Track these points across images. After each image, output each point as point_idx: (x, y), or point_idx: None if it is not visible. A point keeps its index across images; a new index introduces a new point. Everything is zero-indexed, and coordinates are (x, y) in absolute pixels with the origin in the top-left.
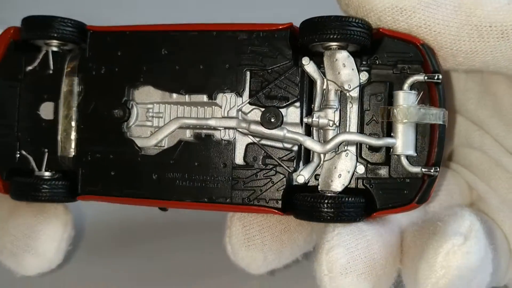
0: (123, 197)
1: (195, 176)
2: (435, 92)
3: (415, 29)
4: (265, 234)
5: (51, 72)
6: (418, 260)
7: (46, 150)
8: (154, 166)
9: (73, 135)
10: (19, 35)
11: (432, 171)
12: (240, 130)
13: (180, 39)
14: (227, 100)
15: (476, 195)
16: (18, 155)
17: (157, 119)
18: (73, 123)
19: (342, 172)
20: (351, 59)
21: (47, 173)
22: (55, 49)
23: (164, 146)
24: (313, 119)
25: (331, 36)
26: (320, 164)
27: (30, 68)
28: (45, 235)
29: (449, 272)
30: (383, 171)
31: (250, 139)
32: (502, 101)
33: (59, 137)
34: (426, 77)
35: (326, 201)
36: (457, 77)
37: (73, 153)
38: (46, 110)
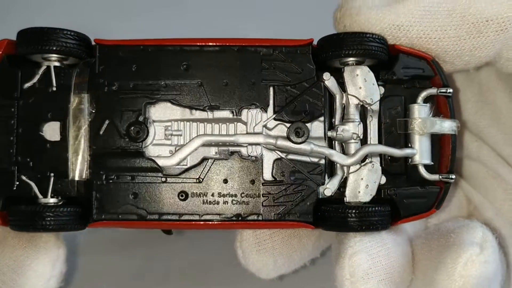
0: (145, 222)
1: (223, 194)
2: (447, 105)
3: (416, 41)
4: (275, 238)
5: (54, 89)
6: (435, 271)
7: (52, 174)
8: (178, 186)
9: (84, 157)
10: (14, 49)
11: (449, 177)
12: (266, 146)
13: (201, 53)
14: (252, 116)
15: (473, 206)
16: (17, 182)
17: (177, 137)
18: (84, 144)
19: (369, 183)
20: (371, 74)
21: (53, 200)
22: (56, 64)
23: (186, 165)
24: (337, 133)
25: (353, 52)
26: (344, 176)
27: (28, 85)
28: (32, 271)
29: (468, 281)
30: (403, 180)
31: (277, 155)
32: (500, 109)
33: (69, 160)
34: (438, 91)
35: (356, 211)
36: (455, 88)
37: (85, 176)
38: (50, 131)
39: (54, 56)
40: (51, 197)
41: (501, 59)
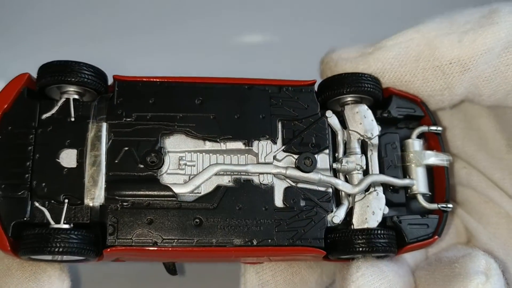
0: (158, 248)
1: (237, 220)
2: (437, 140)
3: (391, 84)
4: (278, 278)
5: (72, 119)
6: None
7: (66, 200)
8: (193, 212)
9: (100, 183)
10: (34, 84)
11: (447, 206)
12: (276, 175)
13: (214, 90)
14: (263, 147)
15: (470, 233)
16: (30, 208)
17: (190, 167)
18: (101, 170)
19: (375, 210)
20: (370, 111)
21: (65, 226)
22: (75, 96)
23: (200, 193)
24: (342, 164)
25: (351, 89)
26: (349, 206)
27: (47, 115)
28: None
29: None
30: (404, 211)
31: (287, 183)
32: (486, 135)
33: (85, 185)
34: (429, 129)
35: (363, 233)
36: (442, 116)
37: (101, 202)
38: (67, 158)
39: (72, 90)
40: (64, 223)
41: (474, 96)
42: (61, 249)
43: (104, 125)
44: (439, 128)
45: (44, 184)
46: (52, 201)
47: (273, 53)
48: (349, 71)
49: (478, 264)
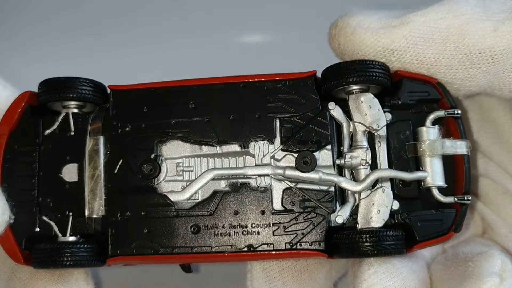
0: (159, 256)
1: (234, 225)
2: (456, 126)
3: (408, 66)
4: (286, 275)
5: (72, 133)
6: None
7: (70, 213)
8: (190, 219)
9: (100, 195)
10: (36, 99)
11: (465, 199)
12: (275, 176)
13: (208, 92)
14: (260, 148)
15: (487, 223)
16: (39, 222)
17: (188, 173)
18: (100, 183)
19: (381, 208)
20: (376, 100)
21: (72, 238)
22: (75, 110)
23: (197, 199)
24: (345, 160)
25: (355, 79)
26: (355, 203)
27: (49, 131)
28: None
29: None
30: (418, 205)
31: (286, 184)
32: (502, 127)
33: (86, 199)
34: (446, 113)
35: (368, 235)
36: (463, 109)
37: (102, 214)
38: (69, 172)
39: (72, 104)
40: (70, 235)
41: (493, 90)
42: (69, 262)
43: (101, 138)
44: (458, 111)
45: (49, 199)
46: (58, 215)
47: (273, 53)
48: (368, 43)
49: (493, 264)
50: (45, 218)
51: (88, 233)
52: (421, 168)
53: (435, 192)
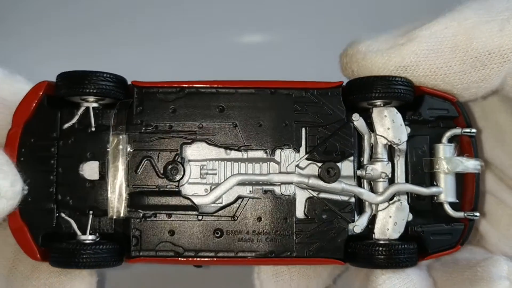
0: (181, 258)
1: (257, 231)
2: (470, 144)
3: (423, 79)
4: (293, 269)
5: (93, 129)
6: None
7: (91, 212)
8: (214, 223)
9: (122, 195)
10: (54, 91)
11: (473, 215)
12: (298, 185)
13: (236, 95)
14: (285, 156)
15: (477, 231)
16: (57, 219)
17: (212, 176)
18: (122, 183)
19: (397, 220)
20: (399, 115)
21: (91, 237)
22: (95, 104)
23: (221, 203)
24: (366, 172)
25: (381, 95)
26: (372, 214)
27: (67, 125)
28: None
29: None
30: (429, 217)
31: (309, 193)
32: (504, 131)
33: (108, 198)
34: (463, 131)
35: (384, 248)
36: (478, 128)
37: (124, 214)
38: (89, 170)
39: (93, 98)
40: (90, 234)
41: (506, 86)
42: (88, 263)
43: (124, 137)
44: (473, 130)
45: (68, 197)
46: (77, 213)
47: (273, 53)
48: (380, 65)
49: (501, 269)
50: (63, 215)
51: (107, 232)
52: (435, 183)
53: (447, 208)
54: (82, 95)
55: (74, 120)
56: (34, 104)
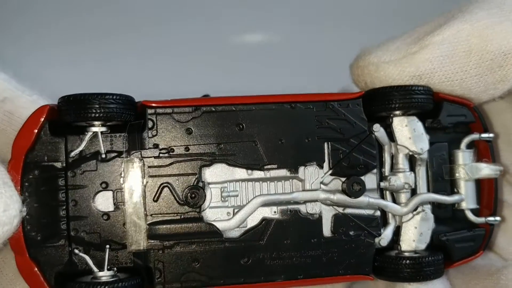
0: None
1: (285, 254)
2: (487, 149)
3: (438, 86)
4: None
5: (103, 155)
6: None
7: (107, 246)
8: (240, 249)
9: (141, 226)
10: (57, 116)
11: (493, 220)
12: (323, 202)
13: (255, 112)
14: (309, 173)
15: None
16: (70, 256)
17: (233, 198)
18: (140, 213)
19: (423, 231)
20: (420, 123)
21: (109, 273)
22: (103, 129)
23: (246, 226)
24: (390, 184)
25: (401, 105)
26: (396, 225)
27: (75, 153)
28: None
29: None
30: (450, 225)
31: (334, 210)
32: (511, 132)
33: (126, 230)
34: (480, 137)
35: (411, 262)
36: (495, 133)
37: (144, 247)
38: (103, 201)
39: (99, 122)
40: (108, 269)
41: None
42: None
43: (138, 162)
44: (491, 135)
45: (82, 231)
46: (92, 248)
47: (273, 53)
48: (394, 75)
49: None
50: (77, 252)
51: (125, 266)
52: (456, 190)
53: (469, 214)
54: (89, 120)
55: (82, 147)
56: (36, 132)
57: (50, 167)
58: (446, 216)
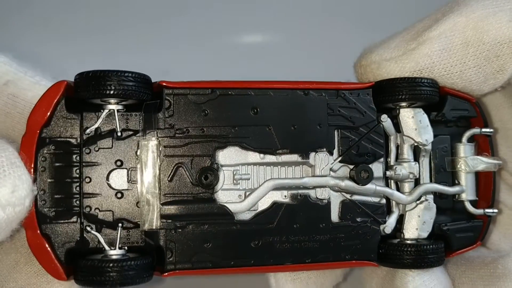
0: (218, 269)
1: (295, 237)
2: (487, 143)
3: (439, 79)
4: None
5: (119, 133)
6: None
7: (119, 224)
8: (251, 231)
9: (154, 205)
10: (73, 92)
11: (491, 212)
12: (332, 188)
13: (270, 97)
14: (320, 159)
15: None
16: (82, 233)
17: (245, 181)
18: (154, 192)
19: (426, 220)
20: (425, 115)
21: (121, 251)
22: (119, 107)
23: (257, 209)
24: (395, 173)
25: (408, 97)
26: (399, 214)
27: (90, 130)
28: None
29: None
30: (450, 215)
31: (342, 196)
32: (508, 127)
33: (140, 209)
34: (481, 131)
35: (414, 249)
36: (495, 128)
37: (157, 226)
38: (117, 179)
39: (115, 99)
40: (119, 248)
41: None
42: (118, 281)
43: (154, 142)
44: (491, 130)
45: (95, 209)
46: (104, 225)
47: (273, 53)
48: (396, 72)
49: None
50: (89, 229)
51: (136, 245)
52: (456, 182)
53: (468, 206)
54: (106, 97)
55: (97, 124)
56: (52, 107)
57: (65, 143)
58: (447, 207)
